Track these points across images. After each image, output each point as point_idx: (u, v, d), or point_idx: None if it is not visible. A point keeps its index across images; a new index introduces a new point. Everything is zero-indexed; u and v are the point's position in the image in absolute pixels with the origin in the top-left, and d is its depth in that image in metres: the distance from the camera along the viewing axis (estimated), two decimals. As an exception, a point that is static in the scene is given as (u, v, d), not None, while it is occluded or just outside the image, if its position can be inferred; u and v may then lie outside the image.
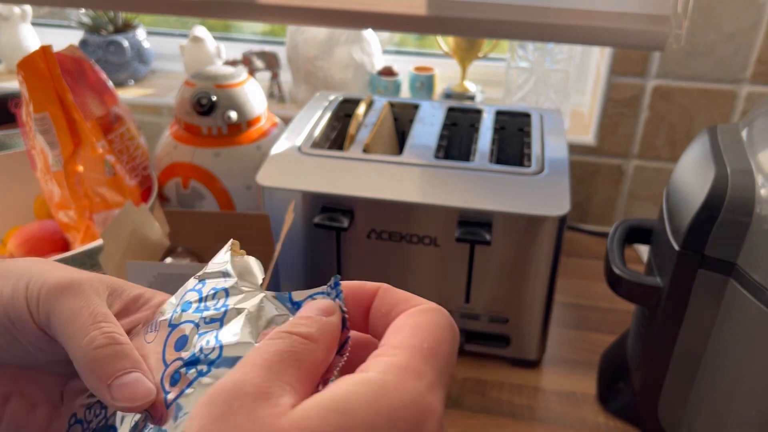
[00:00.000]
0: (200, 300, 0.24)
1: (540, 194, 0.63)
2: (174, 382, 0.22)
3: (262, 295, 0.24)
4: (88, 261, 0.68)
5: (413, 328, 0.21)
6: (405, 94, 1.05)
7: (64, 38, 1.13)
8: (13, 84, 1.10)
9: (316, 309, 0.22)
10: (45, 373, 0.27)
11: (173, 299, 0.26)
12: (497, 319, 0.67)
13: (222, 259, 0.26)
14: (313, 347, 0.21)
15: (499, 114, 0.79)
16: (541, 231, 0.61)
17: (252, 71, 1.05)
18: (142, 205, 0.63)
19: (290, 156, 0.69)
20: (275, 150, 0.70)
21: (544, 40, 0.89)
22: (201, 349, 0.22)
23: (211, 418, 0.19)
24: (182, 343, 0.23)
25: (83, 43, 1.09)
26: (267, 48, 1.07)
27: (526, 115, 0.79)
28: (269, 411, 0.19)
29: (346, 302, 0.23)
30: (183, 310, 0.24)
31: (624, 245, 0.59)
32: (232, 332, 0.22)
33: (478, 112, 0.79)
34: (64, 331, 0.23)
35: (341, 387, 0.19)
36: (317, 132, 0.74)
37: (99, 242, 0.69)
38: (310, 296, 0.23)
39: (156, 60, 1.16)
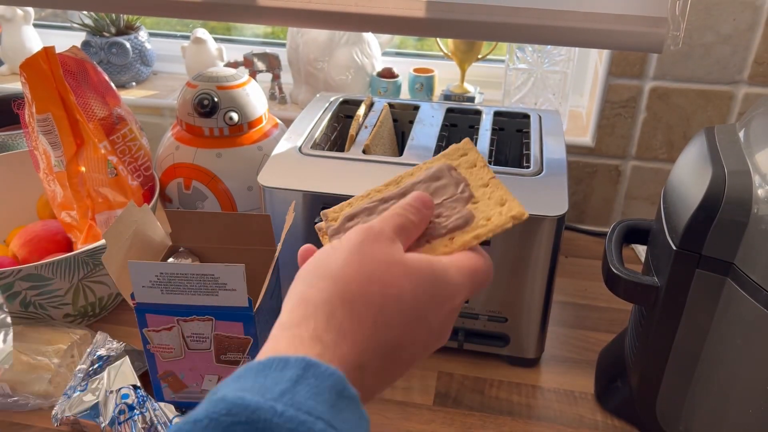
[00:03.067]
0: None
1: (538, 195, 0.63)
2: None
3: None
4: (91, 261, 0.69)
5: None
6: (405, 96, 1.06)
7: (67, 40, 1.14)
8: (15, 85, 1.11)
9: (421, 202, 0.38)
10: None
11: None
12: (496, 318, 0.67)
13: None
14: (416, 225, 0.37)
15: (498, 115, 0.80)
16: (540, 231, 0.61)
17: (253, 73, 1.05)
18: (144, 206, 0.63)
19: (291, 157, 0.70)
20: (276, 151, 0.71)
21: (543, 43, 0.89)
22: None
23: (354, 242, 0.33)
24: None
25: (85, 44, 1.10)
26: (268, 50, 1.07)
27: (525, 116, 0.79)
28: (391, 250, 0.34)
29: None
30: None
31: (622, 245, 0.59)
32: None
33: (478, 113, 0.80)
34: None
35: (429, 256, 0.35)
36: (318, 133, 0.75)
37: (101, 242, 0.69)
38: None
39: (158, 61, 1.17)
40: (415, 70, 1.04)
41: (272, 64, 1.06)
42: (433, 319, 0.34)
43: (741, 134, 0.52)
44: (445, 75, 1.07)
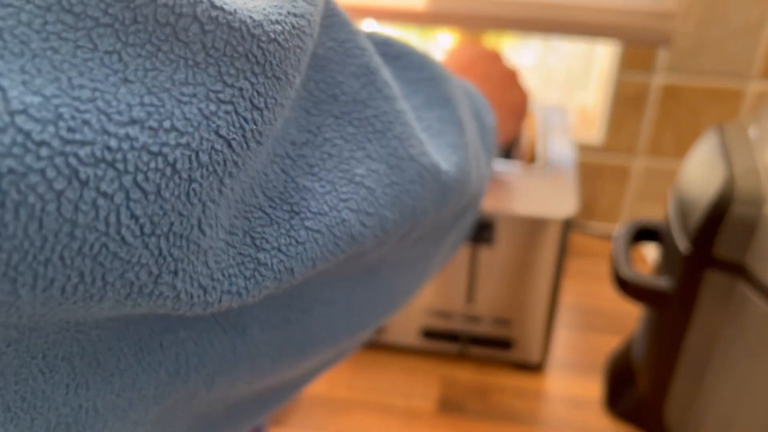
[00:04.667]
0: None
1: (545, 195, 0.62)
2: None
3: None
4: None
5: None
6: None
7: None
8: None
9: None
10: None
11: None
12: (500, 322, 0.66)
13: None
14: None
15: (502, 113, 0.78)
16: (546, 232, 0.60)
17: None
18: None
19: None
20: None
21: (546, 32, 0.88)
22: None
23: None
24: None
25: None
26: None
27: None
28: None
29: None
30: None
31: (630, 246, 0.58)
32: None
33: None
34: None
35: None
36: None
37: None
38: None
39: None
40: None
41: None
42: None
43: (751, 132, 0.51)
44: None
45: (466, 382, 0.67)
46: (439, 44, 0.96)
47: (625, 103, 0.86)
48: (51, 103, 0.13)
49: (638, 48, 0.82)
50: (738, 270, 0.47)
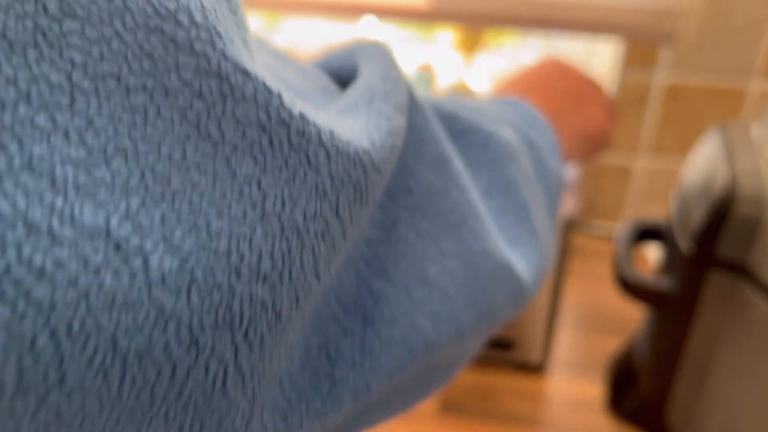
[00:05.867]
0: None
1: (544, 194, 0.61)
2: None
3: None
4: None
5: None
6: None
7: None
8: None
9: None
10: None
11: None
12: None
13: None
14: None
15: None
16: (546, 232, 0.59)
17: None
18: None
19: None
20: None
21: (549, 30, 0.88)
22: None
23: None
24: None
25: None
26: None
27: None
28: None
29: None
30: None
31: (632, 246, 0.58)
32: None
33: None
34: None
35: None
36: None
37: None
38: None
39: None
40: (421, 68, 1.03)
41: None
42: None
43: (754, 131, 0.51)
44: (447, 69, 1.05)
45: (467, 383, 0.67)
46: (441, 42, 0.96)
47: (628, 101, 0.85)
48: (188, 265, 0.12)
49: (641, 46, 0.81)
50: (740, 270, 0.47)
